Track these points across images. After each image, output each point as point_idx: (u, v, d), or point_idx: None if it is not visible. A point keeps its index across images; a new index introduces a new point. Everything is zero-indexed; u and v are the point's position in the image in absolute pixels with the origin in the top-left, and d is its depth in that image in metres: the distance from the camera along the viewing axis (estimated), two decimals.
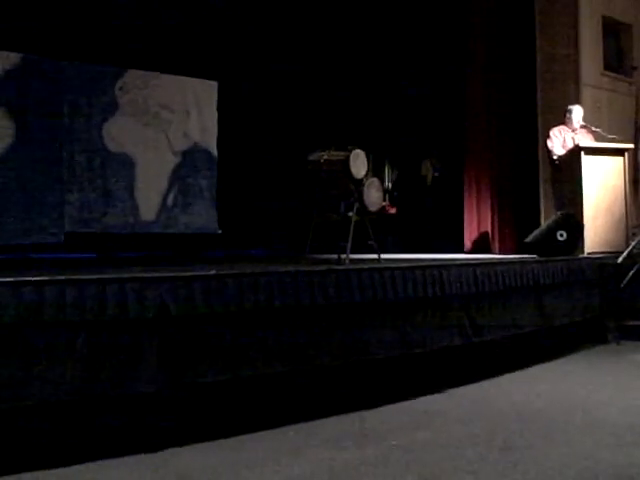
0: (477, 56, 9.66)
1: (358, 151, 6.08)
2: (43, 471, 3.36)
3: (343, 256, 5.90)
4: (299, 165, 6.64)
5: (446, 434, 4.09)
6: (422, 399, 4.88)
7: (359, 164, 6.04)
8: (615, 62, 10.01)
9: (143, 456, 3.62)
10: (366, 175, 6.19)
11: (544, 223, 8.20)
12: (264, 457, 3.67)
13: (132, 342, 3.70)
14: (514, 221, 9.37)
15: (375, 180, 6.45)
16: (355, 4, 9.48)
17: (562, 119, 8.31)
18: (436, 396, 4.97)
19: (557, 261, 6.57)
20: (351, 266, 5.24)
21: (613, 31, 9.94)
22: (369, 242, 6.29)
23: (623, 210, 7.82)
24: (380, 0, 9.58)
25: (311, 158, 6.24)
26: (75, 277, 3.64)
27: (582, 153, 7.60)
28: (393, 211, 10.50)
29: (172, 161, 9.02)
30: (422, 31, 9.92)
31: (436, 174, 10.60)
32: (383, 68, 10.14)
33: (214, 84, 9.36)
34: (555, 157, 8.12)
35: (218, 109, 9.35)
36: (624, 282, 6.90)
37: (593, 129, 8.16)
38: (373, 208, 6.27)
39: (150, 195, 8.73)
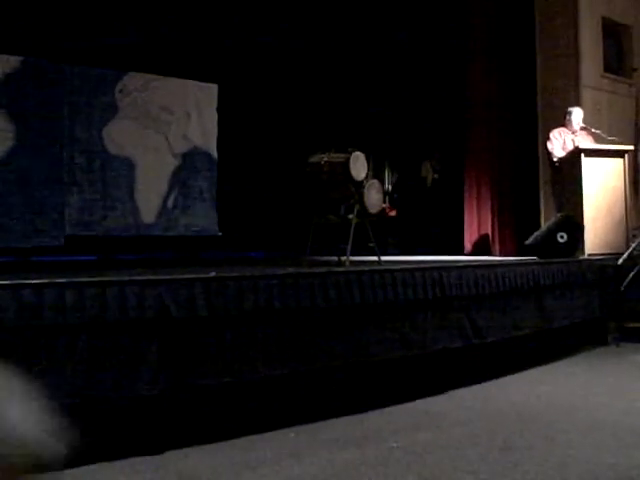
0: (477, 58, 9.66)
1: (358, 153, 6.08)
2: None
3: (343, 258, 5.91)
4: (299, 167, 6.64)
5: (446, 435, 4.09)
6: (422, 400, 4.88)
7: (359, 166, 6.04)
8: (615, 64, 10.02)
9: (144, 458, 3.63)
10: (366, 177, 6.19)
11: (544, 225, 8.21)
12: (265, 458, 3.68)
13: (133, 344, 3.70)
14: (514, 223, 9.37)
15: (375, 182, 6.45)
16: (355, 6, 9.48)
17: (562, 121, 8.32)
18: (436, 397, 4.98)
19: (557, 263, 6.58)
20: (351, 268, 5.25)
21: (613, 32, 9.94)
22: (369, 244, 6.29)
23: (623, 212, 7.82)
24: (381, 3, 9.58)
25: (311, 160, 6.24)
26: (75, 280, 3.64)
27: (582, 155, 7.60)
28: (393, 213, 10.51)
29: (172, 163, 9.03)
30: (422, 32, 9.93)
31: (436, 176, 10.61)
32: (383, 70, 10.14)
33: (214, 86, 9.37)
34: (555, 159, 8.13)
35: (218, 111, 9.36)
36: (624, 284, 6.90)
37: (593, 131, 8.17)
38: (373, 210, 6.27)
39: (150, 197, 8.74)
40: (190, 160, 9.17)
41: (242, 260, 7.59)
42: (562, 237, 7.20)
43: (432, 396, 4.98)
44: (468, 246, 9.64)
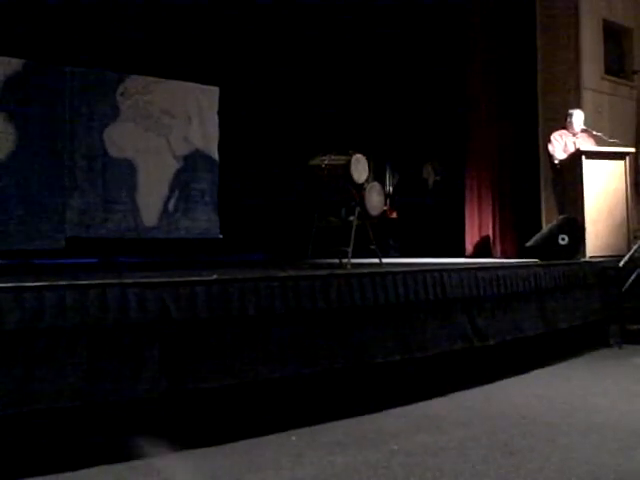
0: (478, 60, 9.67)
1: (359, 156, 6.08)
2: (46, 476, 3.36)
3: (345, 260, 5.90)
4: (300, 170, 6.65)
5: (448, 437, 4.09)
6: (423, 403, 4.88)
7: (360, 168, 6.04)
8: (616, 66, 10.01)
9: (145, 461, 3.62)
10: (367, 179, 6.19)
11: (545, 227, 8.21)
12: (266, 461, 3.67)
13: (134, 347, 3.70)
14: (515, 225, 9.37)
15: (376, 184, 6.45)
16: (356, 9, 9.49)
17: (563, 123, 8.33)
18: (438, 400, 4.97)
19: (558, 265, 6.57)
20: (352, 270, 5.24)
21: (614, 35, 9.94)
22: (370, 246, 6.30)
23: (624, 214, 7.82)
24: (381, 4, 9.58)
25: (312, 163, 6.24)
26: (76, 282, 3.64)
27: (583, 157, 7.60)
28: (394, 215, 10.52)
29: (173, 166, 9.04)
30: (422, 35, 9.93)
31: (438, 178, 10.61)
32: (383, 72, 10.15)
33: (215, 89, 9.38)
34: (556, 161, 8.13)
35: (219, 114, 9.37)
36: (626, 286, 6.90)
37: (594, 133, 8.18)
38: (374, 212, 6.27)
39: (151, 200, 8.74)
40: (191, 163, 9.18)
41: (243, 262, 7.58)
42: (563, 239, 7.20)
43: (433, 398, 4.97)
44: (469, 248, 9.64)
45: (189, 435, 3.92)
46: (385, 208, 8.40)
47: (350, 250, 5.93)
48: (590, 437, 4.05)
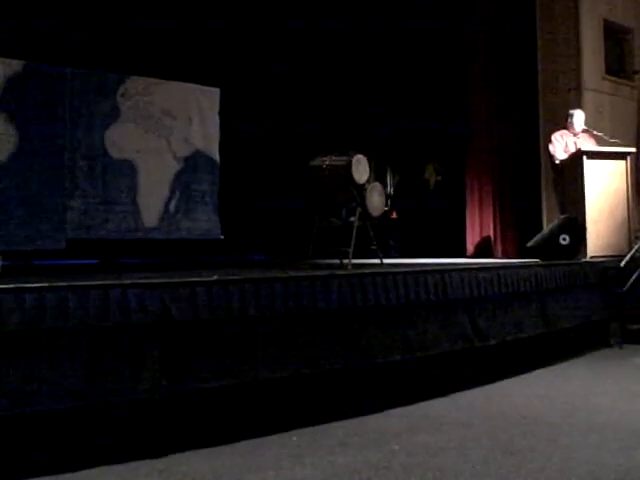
0: (478, 60, 9.68)
1: (360, 156, 6.09)
2: (46, 477, 3.36)
3: (346, 261, 5.91)
4: (301, 170, 6.65)
5: (448, 437, 4.09)
6: (424, 403, 4.88)
7: (361, 169, 6.05)
8: (617, 66, 10.01)
9: (145, 462, 3.62)
10: (368, 180, 6.20)
11: (546, 227, 8.21)
12: (266, 461, 3.68)
13: (134, 348, 3.70)
14: (516, 225, 9.37)
15: (377, 185, 6.45)
16: (356, 9, 9.49)
17: (564, 123, 8.32)
18: (439, 400, 4.98)
19: (560, 265, 6.57)
20: (353, 271, 5.25)
21: (614, 35, 9.94)
22: (371, 247, 6.30)
23: (625, 214, 7.81)
24: (380, 4, 9.59)
25: (313, 163, 6.25)
26: (77, 283, 3.64)
27: (584, 157, 7.59)
28: (395, 216, 10.52)
29: (174, 167, 9.01)
30: (423, 35, 9.92)
31: (439, 178, 10.61)
32: (384, 72, 10.15)
33: (216, 90, 9.35)
34: (557, 161, 8.13)
35: (220, 115, 9.36)
36: (627, 286, 6.90)
37: (595, 133, 8.17)
38: (375, 213, 6.28)
39: (152, 201, 8.71)
40: (192, 164, 9.14)
41: (244, 263, 7.58)
42: (564, 239, 7.20)
43: (434, 398, 4.98)
44: (470, 248, 9.64)
45: (189, 435, 3.92)
46: (386, 209, 8.39)
47: (351, 250, 5.93)
48: (591, 437, 4.05)
